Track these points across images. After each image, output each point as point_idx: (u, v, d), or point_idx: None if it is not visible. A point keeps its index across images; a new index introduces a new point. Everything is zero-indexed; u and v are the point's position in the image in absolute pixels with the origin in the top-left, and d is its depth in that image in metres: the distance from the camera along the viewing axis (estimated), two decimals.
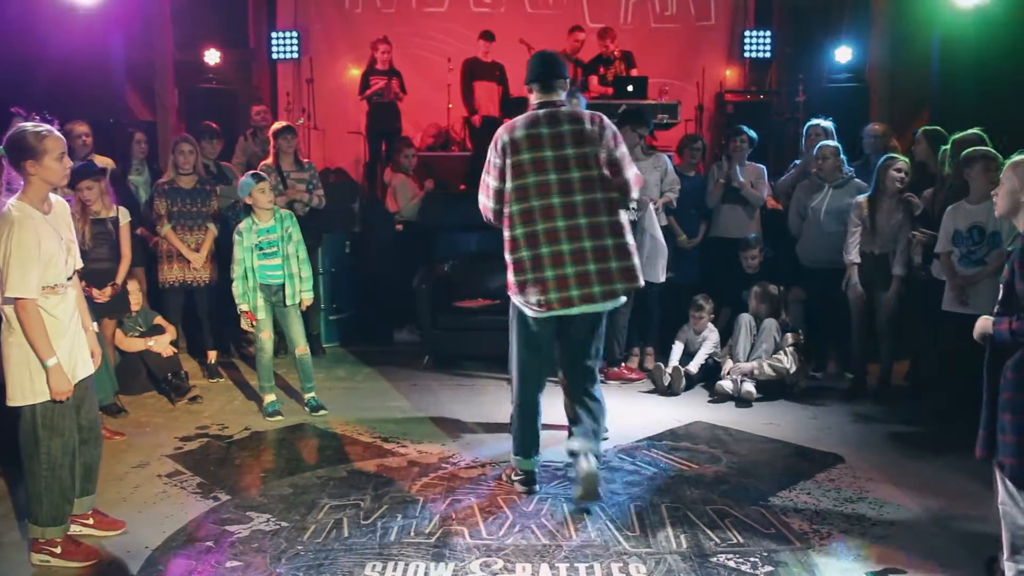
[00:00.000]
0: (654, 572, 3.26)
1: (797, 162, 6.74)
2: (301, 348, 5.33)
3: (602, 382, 5.27)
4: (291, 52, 9.77)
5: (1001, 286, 3.05)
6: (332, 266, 7.16)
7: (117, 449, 4.61)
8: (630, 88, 8.59)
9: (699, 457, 4.56)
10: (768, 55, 9.72)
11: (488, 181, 3.87)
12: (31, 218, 3.22)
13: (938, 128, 5.65)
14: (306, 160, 6.67)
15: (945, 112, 6.80)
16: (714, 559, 3.36)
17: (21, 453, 3.35)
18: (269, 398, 5.32)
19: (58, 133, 3.35)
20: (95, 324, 3.76)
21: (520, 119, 3.85)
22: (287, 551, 3.43)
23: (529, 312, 3.80)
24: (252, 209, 5.22)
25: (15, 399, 3.29)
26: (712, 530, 3.62)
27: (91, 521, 3.61)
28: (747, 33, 9.77)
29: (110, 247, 5.26)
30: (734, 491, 4.08)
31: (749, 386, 5.49)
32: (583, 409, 3.95)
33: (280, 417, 5.22)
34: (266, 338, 5.28)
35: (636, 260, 3.79)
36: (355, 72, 9.59)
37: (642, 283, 3.85)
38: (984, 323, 3.06)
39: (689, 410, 5.40)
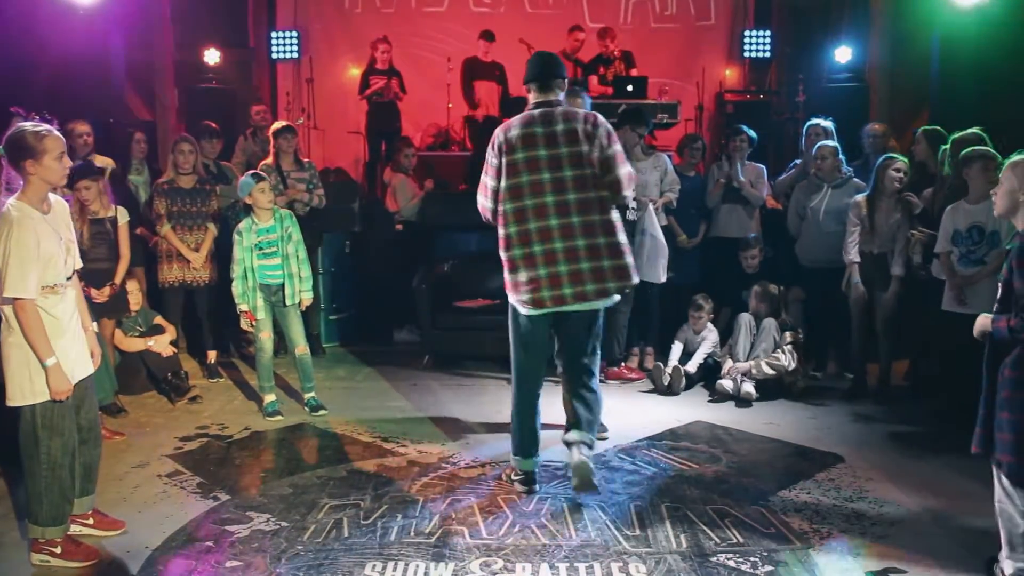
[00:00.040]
0: (654, 572, 3.26)
1: (796, 162, 6.74)
2: (301, 348, 5.33)
3: (602, 382, 5.29)
4: (291, 52, 9.78)
5: (1000, 284, 3.07)
6: (332, 266, 7.16)
7: (117, 449, 4.61)
8: (630, 88, 8.59)
9: (699, 457, 4.56)
10: (768, 55, 9.72)
11: (486, 180, 3.93)
12: (30, 218, 3.22)
13: (938, 128, 5.66)
14: (306, 160, 6.68)
15: (945, 112, 6.80)
16: (714, 559, 3.36)
17: (21, 453, 3.34)
18: (269, 398, 5.32)
19: (57, 133, 3.34)
20: (95, 324, 3.76)
21: (516, 119, 3.90)
22: (287, 551, 3.43)
23: (522, 310, 3.85)
24: (252, 209, 5.22)
25: (15, 399, 3.29)
26: (712, 530, 3.62)
27: (91, 521, 3.61)
28: (747, 33, 9.77)
29: (108, 247, 5.26)
30: (734, 491, 4.08)
31: (749, 387, 5.49)
32: (579, 401, 4.00)
33: (280, 417, 5.23)
34: (266, 338, 5.28)
35: (629, 259, 3.82)
36: (355, 72, 9.59)
37: (634, 281, 3.86)
38: (984, 321, 3.08)
39: (689, 410, 5.40)
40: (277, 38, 9.79)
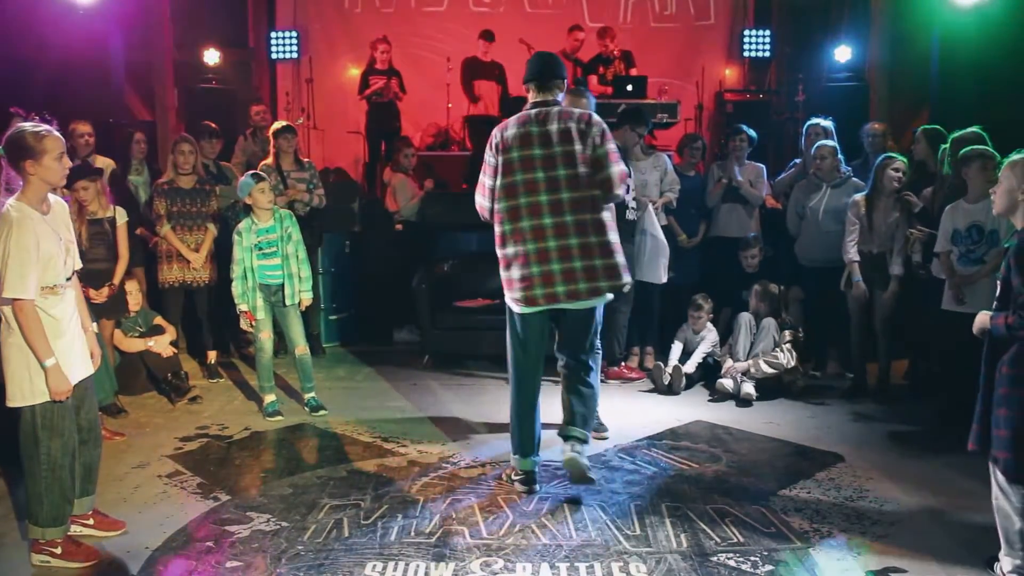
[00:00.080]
0: (654, 571, 3.26)
1: (796, 161, 6.74)
2: (301, 348, 5.33)
3: (603, 381, 5.30)
4: (290, 52, 9.78)
5: (998, 282, 3.08)
6: (332, 266, 7.16)
7: (117, 449, 4.61)
8: (629, 87, 8.59)
9: (699, 456, 4.56)
10: (768, 54, 9.73)
11: (483, 179, 3.98)
12: (30, 219, 3.21)
13: (937, 127, 5.66)
14: (306, 160, 6.68)
15: (945, 111, 6.81)
16: (714, 558, 3.36)
17: (21, 454, 3.34)
18: (269, 398, 5.32)
19: (57, 133, 3.34)
20: (94, 324, 3.76)
21: (513, 118, 3.95)
22: (287, 551, 3.43)
23: (515, 308, 3.89)
24: (252, 209, 5.22)
25: (15, 400, 3.29)
26: (712, 529, 3.62)
27: (91, 521, 3.61)
28: (746, 32, 9.78)
29: (107, 247, 5.26)
30: (734, 490, 4.08)
31: (749, 388, 5.49)
32: (575, 396, 4.03)
33: (280, 417, 5.23)
34: (265, 338, 5.28)
35: (619, 258, 3.84)
36: (354, 72, 9.59)
37: (625, 280, 3.87)
38: (983, 318, 3.10)
39: (689, 409, 5.40)
40: (277, 38, 9.79)
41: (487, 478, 4.24)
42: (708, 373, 5.89)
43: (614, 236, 3.86)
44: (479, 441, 4.82)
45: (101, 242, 5.23)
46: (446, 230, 7.40)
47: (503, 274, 3.91)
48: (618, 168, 3.85)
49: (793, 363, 5.57)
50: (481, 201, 4.00)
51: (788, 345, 5.59)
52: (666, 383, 5.72)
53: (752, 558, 3.36)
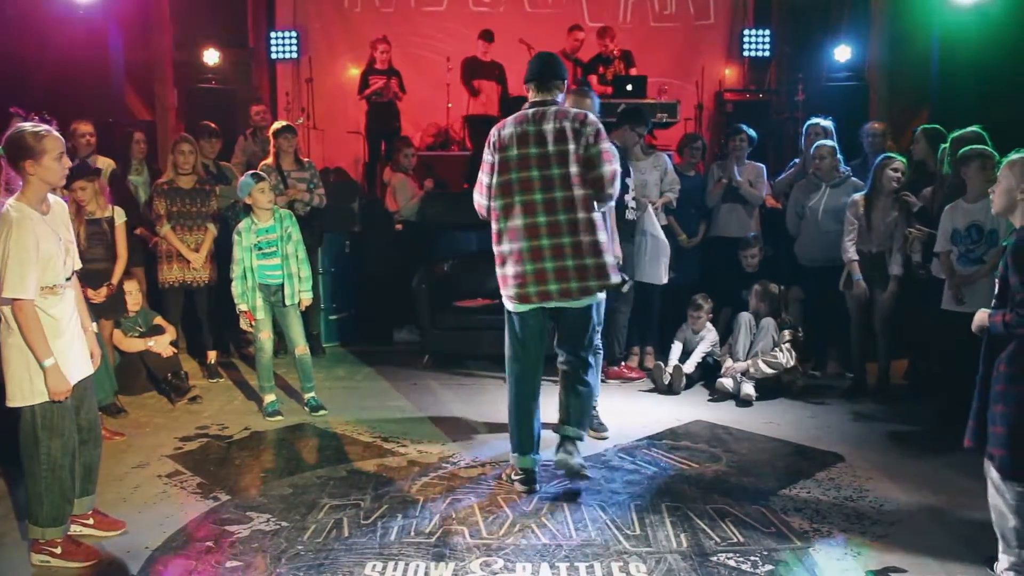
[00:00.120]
0: (654, 571, 3.26)
1: (796, 161, 6.74)
2: (300, 348, 5.33)
3: (603, 381, 5.31)
4: (290, 52, 9.78)
5: (997, 281, 3.09)
6: (332, 266, 7.16)
7: (117, 449, 4.61)
8: (629, 87, 8.59)
9: (699, 456, 4.56)
10: (767, 54, 9.72)
11: (481, 178, 4.02)
12: (29, 219, 3.21)
13: (937, 127, 5.66)
14: (306, 159, 6.68)
15: (944, 111, 6.80)
16: (714, 558, 3.36)
17: (21, 454, 3.34)
18: (269, 398, 5.32)
19: (57, 133, 3.35)
20: (94, 324, 3.76)
21: (510, 117, 3.99)
22: (287, 551, 3.43)
23: (509, 305, 3.94)
24: (252, 209, 5.22)
25: (14, 400, 3.29)
26: (712, 529, 3.62)
27: (91, 521, 3.61)
28: (746, 32, 9.78)
29: (105, 247, 5.26)
30: (734, 490, 4.08)
31: (749, 388, 5.49)
32: (571, 394, 4.05)
33: (280, 417, 5.23)
34: (265, 338, 5.28)
35: (608, 258, 3.88)
36: (354, 72, 9.59)
37: (614, 279, 3.90)
38: (982, 316, 3.11)
39: (689, 409, 5.40)
40: (276, 38, 9.79)
41: (487, 478, 4.24)
42: (708, 373, 5.89)
43: (604, 236, 3.89)
44: (479, 441, 4.82)
45: (99, 242, 5.23)
46: (446, 230, 7.40)
47: (498, 271, 3.96)
48: (610, 167, 3.87)
49: (793, 363, 5.58)
50: (479, 199, 4.04)
51: (788, 345, 5.59)
52: (666, 383, 5.72)
53: (752, 558, 3.37)
